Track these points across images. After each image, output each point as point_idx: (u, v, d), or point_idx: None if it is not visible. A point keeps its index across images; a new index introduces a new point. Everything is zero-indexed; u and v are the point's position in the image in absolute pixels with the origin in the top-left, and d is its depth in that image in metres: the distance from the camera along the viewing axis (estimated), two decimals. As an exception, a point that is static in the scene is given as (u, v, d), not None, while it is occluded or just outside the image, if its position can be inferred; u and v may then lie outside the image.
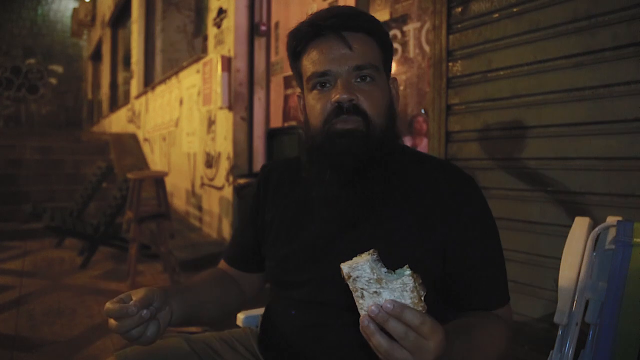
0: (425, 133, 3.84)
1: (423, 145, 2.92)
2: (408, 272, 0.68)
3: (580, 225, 1.32)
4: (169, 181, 4.73)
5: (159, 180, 4.38)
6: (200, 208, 5.40)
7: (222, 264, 1.21)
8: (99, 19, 13.06)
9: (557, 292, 1.28)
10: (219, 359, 1.08)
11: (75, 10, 14.67)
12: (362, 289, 0.69)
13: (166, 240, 4.17)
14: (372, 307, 0.67)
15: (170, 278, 3.94)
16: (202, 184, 5.30)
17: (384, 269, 0.69)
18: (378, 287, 0.68)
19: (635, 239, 1.22)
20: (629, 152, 1.58)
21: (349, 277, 0.70)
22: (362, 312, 0.70)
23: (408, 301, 0.68)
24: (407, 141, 3.04)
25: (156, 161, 7.44)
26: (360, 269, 0.69)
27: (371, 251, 0.70)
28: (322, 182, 0.99)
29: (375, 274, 0.69)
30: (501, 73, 2.01)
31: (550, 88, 1.82)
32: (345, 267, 0.70)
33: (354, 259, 0.70)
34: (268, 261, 1.09)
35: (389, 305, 0.66)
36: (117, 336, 2.73)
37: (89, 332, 2.81)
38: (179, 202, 6.24)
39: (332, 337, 0.96)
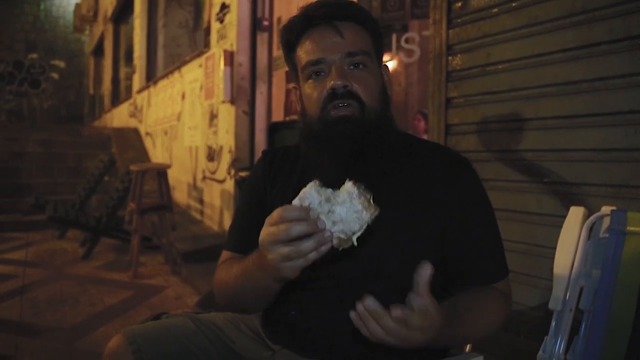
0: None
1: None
2: (349, 183, 0.75)
3: (575, 214, 1.35)
4: (170, 174, 4.76)
5: (161, 173, 4.41)
6: (201, 201, 5.43)
7: (227, 256, 1.12)
8: (101, 15, 13.06)
9: (552, 281, 1.32)
10: (224, 337, 1.11)
11: (77, 5, 14.67)
12: (318, 213, 0.74)
13: (168, 232, 4.21)
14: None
15: (172, 269, 3.98)
16: (204, 177, 5.33)
17: (330, 190, 0.75)
18: (330, 206, 0.74)
19: (628, 228, 1.25)
20: (624, 144, 1.62)
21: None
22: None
23: (359, 207, 0.74)
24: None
25: (158, 155, 7.47)
26: (308, 196, 0.74)
27: (313, 181, 0.76)
28: (320, 168, 1.02)
29: (323, 195, 0.74)
30: (499, 67, 2.05)
31: (548, 81, 1.86)
32: (296, 200, 0.75)
33: (302, 190, 0.75)
34: None
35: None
36: (119, 323, 2.78)
37: (91, 320, 2.85)
38: (180, 195, 6.28)
39: (332, 317, 0.98)
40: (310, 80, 1.01)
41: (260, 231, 1.11)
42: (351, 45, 0.98)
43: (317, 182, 0.75)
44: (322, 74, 0.99)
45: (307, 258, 0.74)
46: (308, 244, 0.73)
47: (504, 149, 2.04)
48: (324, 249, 0.74)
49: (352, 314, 0.74)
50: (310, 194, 0.74)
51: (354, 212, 0.73)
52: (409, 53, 3.95)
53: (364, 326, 0.74)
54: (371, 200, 0.75)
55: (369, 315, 0.73)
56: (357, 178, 1.00)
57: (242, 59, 4.52)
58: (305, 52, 1.01)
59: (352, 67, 0.99)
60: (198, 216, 5.55)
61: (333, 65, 0.97)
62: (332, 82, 0.96)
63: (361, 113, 0.97)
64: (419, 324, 0.73)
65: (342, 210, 0.73)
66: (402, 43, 3.78)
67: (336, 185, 1.01)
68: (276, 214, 0.75)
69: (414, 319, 0.73)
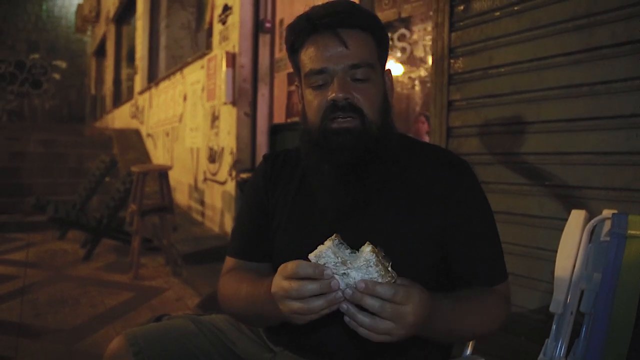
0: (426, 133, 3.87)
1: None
2: (368, 248, 0.74)
3: (576, 217, 1.36)
4: (171, 176, 4.76)
5: (162, 174, 4.41)
6: (202, 203, 5.44)
7: (232, 263, 1.13)
8: (103, 15, 13.08)
9: (553, 284, 1.32)
10: (225, 339, 1.11)
11: (79, 6, 14.70)
12: (333, 273, 0.74)
13: (169, 234, 4.21)
14: (347, 290, 0.74)
15: (172, 271, 3.98)
16: (205, 179, 5.33)
17: (348, 250, 0.75)
18: (345, 269, 0.74)
19: (629, 231, 1.25)
20: (625, 147, 1.62)
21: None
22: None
23: (375, 275, 0.73)
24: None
25: (159, 156, 7.47)
26: (325, 256, 0.74)
27: (333, 236, 0.76)
28: (320, 174, 1.02)
29: (340, 257, 0.74)
30: (502, 70, 2.05)
31: (550, 84, 1.86)
32: (312, 257, 0.75)
33: (319, 247, 0.75)
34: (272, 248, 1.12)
35: (362, 285, 0.72)
36: (120, 324, 2.78)
37: (92, 321, 2.85)
38: (181, 196, 6.28)
39: (333, 319, 0.98)
40: (312, 88, 1.00)
41: (263, 236, 1.13)
42: (355, 57, 0.97)
43: (337, 240, 0.75)
44: (325, 83, 0.98)
45: (317, 313, 0.76)
46: (319, 303, 0.74)
47: (505, 151, 2.05)
48: (335, 307, 0.76)
49: (345, 319, 0.76)
50: (327, 254, 0.74)
51: (369, 279, 0.73)
52: (401, 50, 3.95)
53: (357, 325, 0.75)
54: (389, 268, 0.74)
55: (352, 307, 0.74)
56: (356, 185, 1.01)
57: (244, 60, 4.53)
58: (308, 59, 1.00)
59: (355, 80, 0.98)
60: (199, 218, 5.55)
61: (335, 77, 0.97)
62: (334, 94, 0.95)
63: (362, 125, 0.97)
64: (403, 296, 0.73)
65: (358, 275, 0.73)
66: (395, 41, 3.79)
67: (337, 191, 1.02)
68: (290, 267, 0.76)
69: (399, 291, 0.73)
